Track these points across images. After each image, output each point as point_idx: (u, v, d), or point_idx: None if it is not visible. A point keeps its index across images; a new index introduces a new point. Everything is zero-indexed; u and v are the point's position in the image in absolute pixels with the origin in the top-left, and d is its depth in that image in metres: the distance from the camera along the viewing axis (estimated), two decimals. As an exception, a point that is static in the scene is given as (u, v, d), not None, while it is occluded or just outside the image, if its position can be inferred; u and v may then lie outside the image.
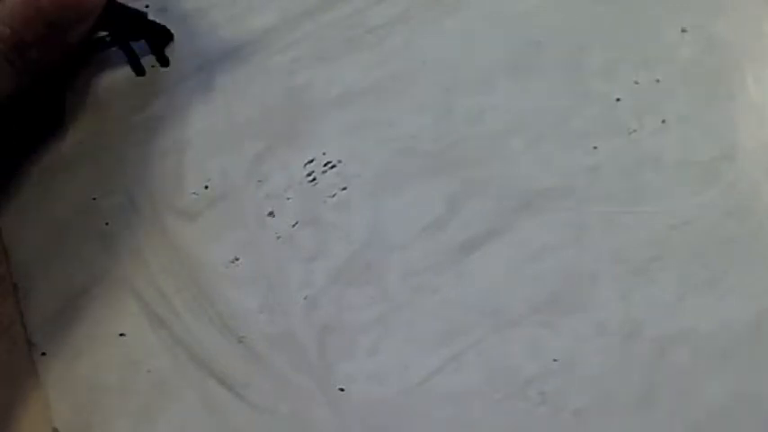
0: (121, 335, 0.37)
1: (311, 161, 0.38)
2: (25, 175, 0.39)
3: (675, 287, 0.35)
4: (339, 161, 0.38)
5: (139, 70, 0.40)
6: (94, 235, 0.38)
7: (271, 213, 0.37)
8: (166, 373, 0.36)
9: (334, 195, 0.37)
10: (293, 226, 0.37)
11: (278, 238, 0.37)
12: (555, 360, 0.34)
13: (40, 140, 0.39)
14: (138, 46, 0.40)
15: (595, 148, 0.37)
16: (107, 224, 0.38)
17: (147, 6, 0.40)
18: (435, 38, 0.39)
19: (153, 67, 0.40)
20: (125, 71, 0.40)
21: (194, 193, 0.38)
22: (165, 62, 0.40)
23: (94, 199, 0.38)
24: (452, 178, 0.37)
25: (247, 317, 0.36)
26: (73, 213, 0.38)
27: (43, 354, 0.36)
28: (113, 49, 0.40)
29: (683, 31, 0.38)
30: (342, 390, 0.35)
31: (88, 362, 0.36)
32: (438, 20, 0.39)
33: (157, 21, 0.40)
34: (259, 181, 0.38)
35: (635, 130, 0.37)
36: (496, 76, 0.38)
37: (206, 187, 0.38)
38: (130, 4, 0.39)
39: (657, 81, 0.37)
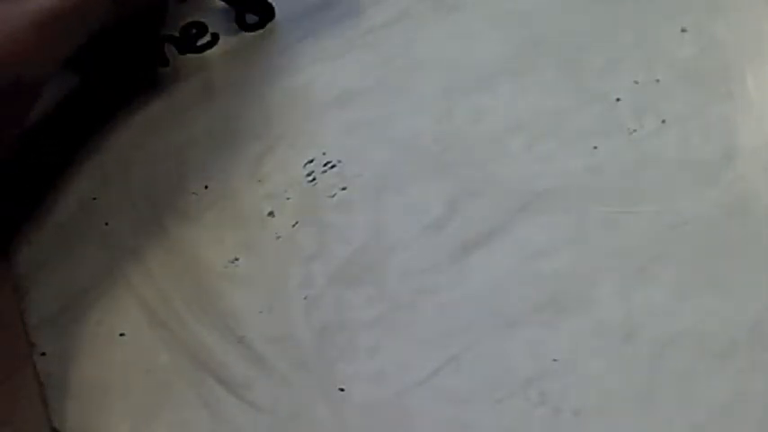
0: (121, 335, 0.37)
1: (311, 161, 0.38)
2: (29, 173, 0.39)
3: (675, 287, 0.35)
4: (339, 161, 0.38)
5: (163, 61, 0.39)
6: (94, 235, 0.38)
7: (271, 213, 0.37)
8: (166, 373, 0.36)
9: (334, 195, 0.37)
10: (293, 226, 0.37)
11: (278, 238, 0.37)
12: (555, 360, 0.34)
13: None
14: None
15: (595, 147, 0.37)
16: (107, 224, 0.38)
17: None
18: (435, 38, 0.39)
19: (153, 66, 0.40)
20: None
21: (194, 193, 0.38)
22: (164, 62, 0.40)
23: (95, 199, 0.38)
24: (452, 178, 0.37)
25: (247, 317, 0.36)
26: (73, 213, 0.38)
27: (43, 354, 0.36)
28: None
29: (683, 31, 0.38)
30: (342, 390, 0.35)
31: (88, 362, 0.36)
32: (438, 20, 0.39)
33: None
34: (259, 181, 0.38)
35: (635, 130, 0.37)
36: (496, 76, 0.38)
37: (206, 187, 0.38)
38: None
39: (657, 81, 0.37)
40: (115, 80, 0.39)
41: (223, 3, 0.40)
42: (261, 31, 0.40)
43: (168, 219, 0.38)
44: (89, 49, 0.34)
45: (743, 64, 0.38)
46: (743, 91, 0.37)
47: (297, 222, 0.37)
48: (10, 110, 0.35)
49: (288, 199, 0.37)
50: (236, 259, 0.37)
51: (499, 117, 0.37)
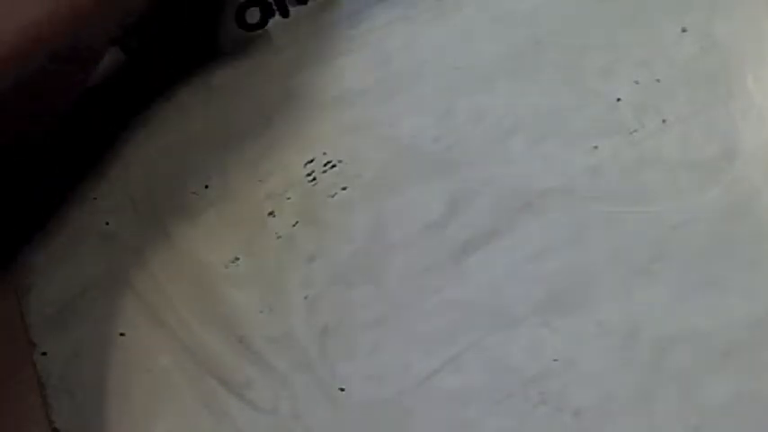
0: (121, 334, 0.37)
1: (311, 161, 0.38)
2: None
3: (675, 287, 0.35)
4: (339, 161, 0.38)
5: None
6: (95, 235, 0.38)
7: (271, 213, 0.37)
8: (166, 373, 0.36)
9: (334, 195, 0.37)
10: (294, 226, 0.37)
11: (278, 237, 0.37)
12: (555, 360, 0.34)
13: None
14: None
15: (596, 147, 0.37)
16: (107, 224, 0.38)
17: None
18: (435, 38, 0.39)
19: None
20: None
21: (194, 192, 0.38)
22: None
23: (95, 199, 0.38)
24: (453, 178, 0.37)
25: (247, 317, 0.36)
26: (73, 213, 0.38)
27: (43, 354, 0.36)
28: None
29: (684, 30, 0.38)
30: (342, 390, 0.35)
31: (88, 362, 0.36)
32: (438, 19, 0.39)
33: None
34: (259, 181, 0.38)
35: (635, 130, 0.37)
36: (497, 75, 0.38)
37: (206, 187, 0.38)
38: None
39: (658, 81, 0.37)
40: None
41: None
42: (261, 30, 0.40)
43: (169, 219, 0.38)
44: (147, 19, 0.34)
45: (743, 63, 0.37)
46: (743, 91, 0.37)
47: (297, 222, 0.37)
48: (67, 77, 0.34)
49: (288, 199, 0.37)
50: (237, 259, 0.37)
51: (499, 117, 0.37)
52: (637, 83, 0.37)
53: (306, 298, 0.36)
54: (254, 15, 0.40)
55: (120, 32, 0.37)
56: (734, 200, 0.36)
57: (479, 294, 0.35)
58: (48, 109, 0.35)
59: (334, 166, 0.38)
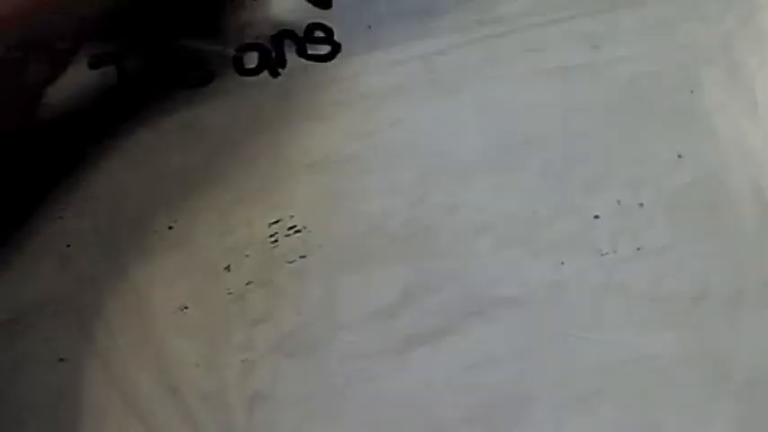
0: (61, 360, 0.37)
1: (277, 222, 0.37)
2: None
3: (612, 425, 0.34)
4: (304, 227, 0.37)
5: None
6: (54, 254, 0.38)
7: (227, 267, 0.37)
8: (97, 409, 0.36)
9: (292, 261, 0.37)
10: (246, 284, 0.37)
11: (229, 293, 0.37)
12: (473, 478, 0.34)
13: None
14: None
15: (562, 263, 0.36)
16: (68, 246, 0.38)
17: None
18: (425, 120, 0.38)
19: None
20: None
21: (157, 232, 0.38)
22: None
23: (61, 218, 0.38)
24: (413, 267, 0.36)
25: (184, 368, 0.36)
26: (37, 229, 0.38)
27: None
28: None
29: (680, 156, 0.37)
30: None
31: (24, 382, 0.37)
32: (431, 101, 0.38)
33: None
34: (222, 232, 0.37)
35: (607, 253, 0.36)
36: (477, 170, 0.37)
37: (170, 228, 0.38)
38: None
39: (641, 205, 0.36)
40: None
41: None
42: (256, 77, 0.39)
43: (128, 254, 0.37)
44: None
45: (734, 201, 0.36)
46: (727, 231, 0.36)
47: (251, 282, 0.37)
48: (36, 69, 0.32)
49: (247, 256, 0.37)
50: (185, 308, 0.37)
51: (471, 214, 0.36)
52: (619, 203, 0.36)
53: (243, 361, 0.36)
54: (251, 60, 0.39)
55: (98, 26, 0.35)
56: (693, 346, 0.35)
57: (413, 392, 0.35)
58: (7, 105, 0.34)
59: (298, 231, 0.37)
